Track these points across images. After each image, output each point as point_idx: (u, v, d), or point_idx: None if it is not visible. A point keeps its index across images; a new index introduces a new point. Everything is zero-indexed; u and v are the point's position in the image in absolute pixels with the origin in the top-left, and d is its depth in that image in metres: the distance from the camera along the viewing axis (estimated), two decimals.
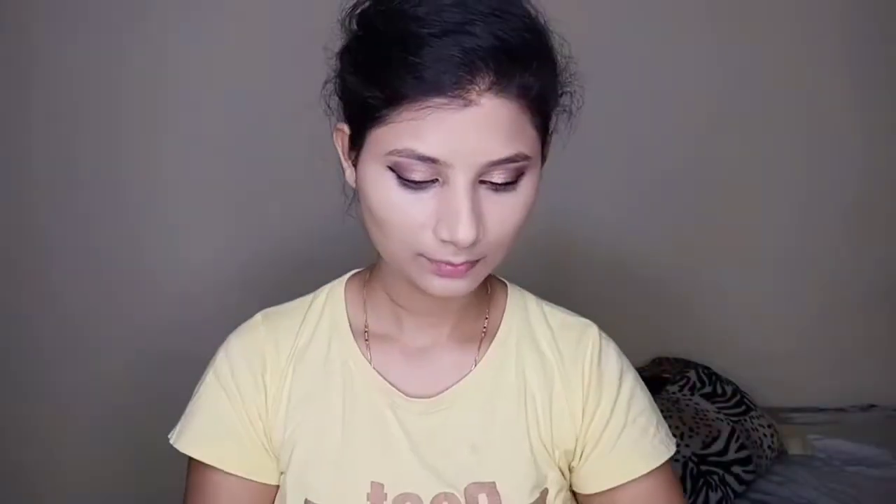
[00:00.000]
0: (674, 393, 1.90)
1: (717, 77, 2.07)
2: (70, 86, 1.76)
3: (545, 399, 0.84)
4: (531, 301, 0.90)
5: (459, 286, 0.73)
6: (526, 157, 0.70)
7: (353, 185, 0.77)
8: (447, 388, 0.83)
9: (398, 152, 0.68)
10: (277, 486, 0.85)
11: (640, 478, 0.84)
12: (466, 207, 0.68)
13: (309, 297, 0.89)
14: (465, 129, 0.67)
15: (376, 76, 0.69)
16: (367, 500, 0.80)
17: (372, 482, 0.80)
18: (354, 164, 0.75)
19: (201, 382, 0.86)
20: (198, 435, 0.84)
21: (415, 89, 0.66)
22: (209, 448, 0.83)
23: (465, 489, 0.81)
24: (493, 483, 0.81)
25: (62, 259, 1.78)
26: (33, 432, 1.79)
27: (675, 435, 0.90)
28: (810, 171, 2.15)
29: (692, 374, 1.96)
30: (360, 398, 0.83)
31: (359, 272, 0.90)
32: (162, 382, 1.56)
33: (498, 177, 0.69)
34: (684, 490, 1.61)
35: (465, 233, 0.68)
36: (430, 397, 0.83)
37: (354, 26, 0.74)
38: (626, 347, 0.90)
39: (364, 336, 0.85)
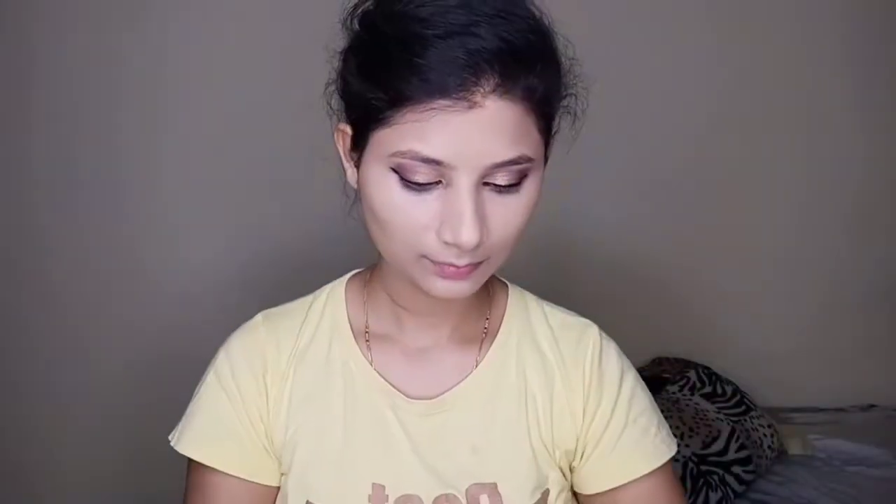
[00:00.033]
0: (674, 393, 1.90)
1: (717, 77, 2.07)
2: (70, 86, 1.75)
3: (546, 399, 0.84)
4: (532, 301, 0.90)
5: (462, 288, 0.73)
6: (529, 159, 0.70)
7: (355, 186, 0.76)
8: (448, 390, 0.83)
9: (402, 154, 0.68)
10: (277, 488, 0.85)
11: (641, 478, 0.84)
12: (470, 210, 0.68)
13: (309, 298, 0.89)
14: (470, 131, 0.66)
15: (380, 78, 0.68)
16: (369, 501, 0.80)
17: (373, 483, 0.80)
18: (356, 165, 0.75)
19: (202, 383, 0.86)
20: (198, 436, 0.84)
21: (419, 91, 0.66)
22: (209, 449, 0.83)
23: (467, 490, 0.81)
24: (495, 484, 0.81)
25: (62, 259, 1.78)
26: (33, 432, 1.78)
27: (675, 435, 0.90)
28: (810, 171, 2.15)
29: (692, 374, 1.96)
30: (361, 399, 0.83)
31: (359, 272, 0.90)
32: (162, 383, 1.56)
33: (501, 179, 0.69)
34: (684, 490, 1.61)
35: (468, 235, 0.68)
36: (430, 398, 0.82)
37: (356, 27, 0.74)
38: (626, 347, 0.90)
39: (365, 337, 0.85)
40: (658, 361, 2.12)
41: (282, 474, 0.84)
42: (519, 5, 0.70)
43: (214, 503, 0.83)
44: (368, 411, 0.82)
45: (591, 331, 0.88)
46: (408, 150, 0.67)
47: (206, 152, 1.84)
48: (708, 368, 2.01)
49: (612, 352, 0.88)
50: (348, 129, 0.74)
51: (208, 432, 0.83)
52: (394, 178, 0.69)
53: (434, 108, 0.66)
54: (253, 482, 0.83)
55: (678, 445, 0.90)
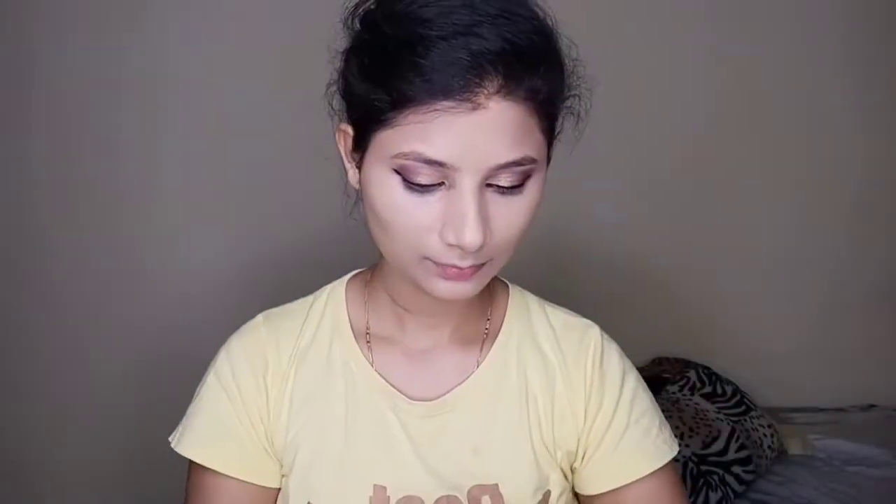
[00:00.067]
0: (674, 393, 1.90)
1: (716, 77, 2.07)
2: (70, 86, 1.75)
3: (547, 400, 0.84)
4: (533, 302, 0.90)
5: (465, 289, 0.73)
6: (533, 161, 0.69)
7: (356, 187, 0.76)
8: (449, 391, 0.83)
9: (404, 155, 0.67)
10: (278, 489, 0.85)
11: (643, 478, 0.84)
12: (473, 211, 0.68)
13: (310, 298, 0.89)
14: (473, 132, 0.66)
15: (382, 79, 0.68)
16: (370, 502, 0.80)
17: (374, 485, 0.80)
18: (358, 166, 0.74)
19: (202, 384, 0.86)
20: (198, 437, 0.83)
21: (422, 92, 0.66)
22: (209, 450, 0.83)
23: (468, 491, 0.81)
24: (496, 485, 0.81)
25: (62, 259, 1.78)
26: (33, 432, 1.78)
27: (675, 435, 0.90)
28: (810, 171, 2.15)
29: (692, 374, 1.96)
30: (362, 400, 0.83)
31: (360, 272, 0.90)
32: (162, 383, 1.56)
33: (504, 180, 0.69)
34: (686, 490, 1.61)
35: (471, 237, 0.67)
36: (432, 400, 0.82)
37: (358, 26, 0.73)
38: (626, 347, 0.90)
39: (366, 337, 0.85)
40: (658, 361, 2.12)
41: (283, 475, 0.84)
42: (522, 5, 0.70)
43: None
44: (369, 412, 0.82)
45: (593, 331, 0.88)
46: (410, 151, 0.67)
47: (206, 152, 1.83)
48: (708, 368, 2.01)
49: (613, 352, 0.87)
50: (350, 130, 0.74)
51: (209, 433, 0.83)
52: (396, 179, 0.69)
53: (437, 110, 0.66)
54: (253, 483, 0.83)
55: (679, 446, 0.90)
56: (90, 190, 1.79)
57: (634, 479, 0.84)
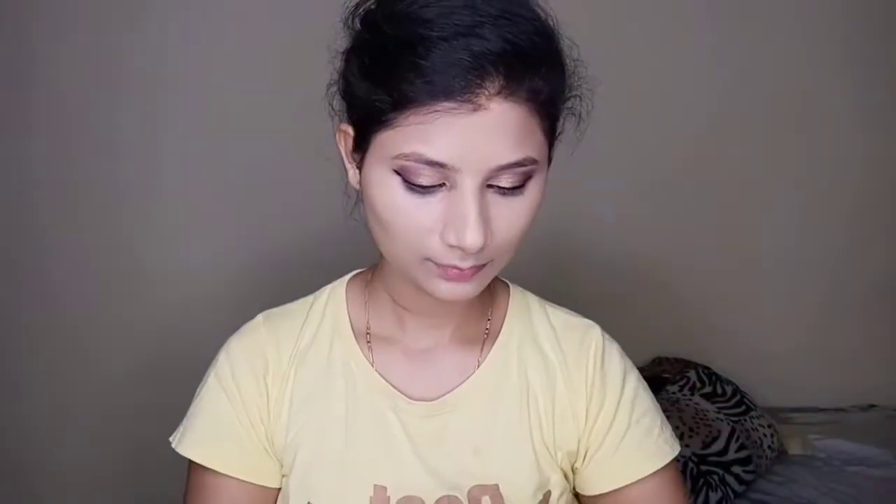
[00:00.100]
0: (674, 393, 1.90)
1: (717, 77, 2.07)
2: (70, 86, 1.75)
3: (548, 400, 0.84)
4: (534, 302, 0.90)
5: (466, 290, 0.73)
6: (534, 161, 0.69)
7: (357, 187, 0.76)
8: (450, 391, 0.83)
9: (405, 156, 0.67)
10: (278, 489, 0.84)
11: (644, 478, 0.84)
12: (474, 212, 0.67)
13: (310, 298, 0.89)
14: (474, 133, 0.66)
15: (383, 79, 0.68)
16: (370, 502, 0.80)
17: (375, 485, 0.80)
18: (359, 167, 0.74)
19: (202, 384, 0.86)
20: (199, 437, 0.83)
21: (423, 93, 0.66)
22: (210, 450, 0.83)
23: (469, 492, 0.81)
24: (497, 485, 0.81)
25: (62, 259, 1.78)
26: (33, 432, 1.78)
27: (674, 435, 0.90)
28: (810, 171, 2.15)
29: (692, 374, 1.96)
30: (362, 400, 0.83)
31: (360, 272, 0.90)
32: (162, 383, 1.56)
33: (506, 181, 0.69)
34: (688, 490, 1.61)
35: (472, 238, 0.67)
36: (432, 400, 0.82)
37: (358, 26, 0.73)
38: (627, 347, 0.90)
39: (366, 337, 0.85)
40: (658, 361, 2.12)
41: (283, 475, 0.84)
42: (524, 6, 0.70)
43: None
44: (370, 412, 0.82)
45: (594, 331, 0.88)
46: (411, 152, 0.67)
47: (206, 152, 1.84)
48: (708, 368, 2.01)
49: (614, 352, 0.87)
50: (350, 130, 0.74)
51: (209, 433, 0.83)
52: (397, 180, 0.69)
53: (438, 111, 0.65)
54: (253, 483, 0.83)
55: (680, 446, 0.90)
56: (90, 190, 1.79)
57: (636, 479, 0.84)
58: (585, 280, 2.01)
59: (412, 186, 0.68)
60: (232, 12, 1.80)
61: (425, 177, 0.68)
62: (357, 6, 0.74)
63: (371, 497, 0.80)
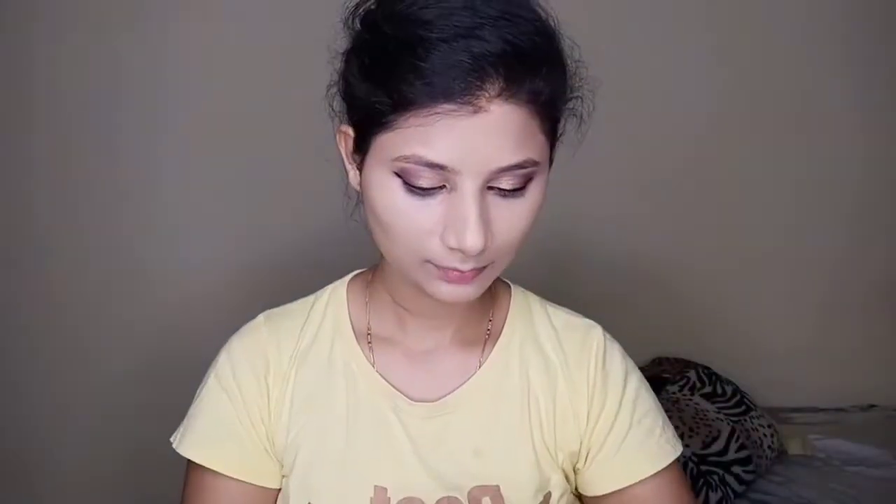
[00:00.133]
0: (674, 393, 1.90)
1: (717, 77, 2.07)
2: (70, 86, 1.75)
3: (549, 401, 0.84)
4: (535, 302, 0.90)
5: (467, 292, 0.73)
6: (535, 163, 0.69)
7: (357, 189, 0.76)
8: (451, 392, 0.83)
9: (405, 158, 0.67)
10: (277, 490, 0.84)
11: (646, 479, 0.84)
12: (475, 214, 0.67)
13: (311, 299, 0.89)
14: (474, 135, 0.66)
15: (383, 81, 0.68)
16: (371, 503, 0.80)
17: (375, 486, 0.80)
18: (359, 168, 0.74)
19: (203, 384, 0.86)
20: (199, 437, 0.83)
21: (423, 95, 0.65)
22: (210, 451, 0.83)
23: (469, 493, 0.81)
24: (497, 486, 0.81)
25: (62, 259, 1.78)
26: (33, 432, 1.78)
27: None
28: (810, 171, 2.15)
29: (692, 374, 1.96)
30: (363, 401, 0.82)
31: (361, 273, 0.90)
32: (162, 383, 1.56)
33: (506, 183, 0.69)
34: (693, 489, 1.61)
35: (473, 240, 0.67)
36: (433, 401, 0.82)
37: (358, 27, 0.73)
38: (627, 347, 0.90)
39: (367, 338, 0.85)
40: (658, 361, 2.11)
41: (283, 476, 0.84)
42: (524, 7, 0.69)
43: None
44: (370, 413, 0.82)
45: (595, 332, 0.87)
46: (411, 154, 0.67)
47: (206, 152, 1.83)
48: (708, 368, 2.01)
49: (615, 353, 0.87)
50: (350, 132, 0.74)
51: (209, 434, 0.83)
52: (397, 182, 0.68)
53: (438, 113, 0.65)
54: (252, 484, 0.83)
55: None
56: (90, 190, 1.79)
57: (638, 479, 0.84)
58: (585, 280, 2.01)
59: (412, 188, 0.68)
60: (232, 12, 1.80)
61: (425, 179, 0.67)
62: (357, 6, 0.74)
63: (371, 498, 0.80)
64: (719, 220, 2.16)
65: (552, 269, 1.81)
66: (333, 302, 0.87)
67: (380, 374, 0.83)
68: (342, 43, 0.75)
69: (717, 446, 1.74)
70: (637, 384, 0.87)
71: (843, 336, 2.18)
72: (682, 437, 1.68)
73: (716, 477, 1.68)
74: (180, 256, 1.86)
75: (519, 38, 0.67)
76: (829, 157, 2.15)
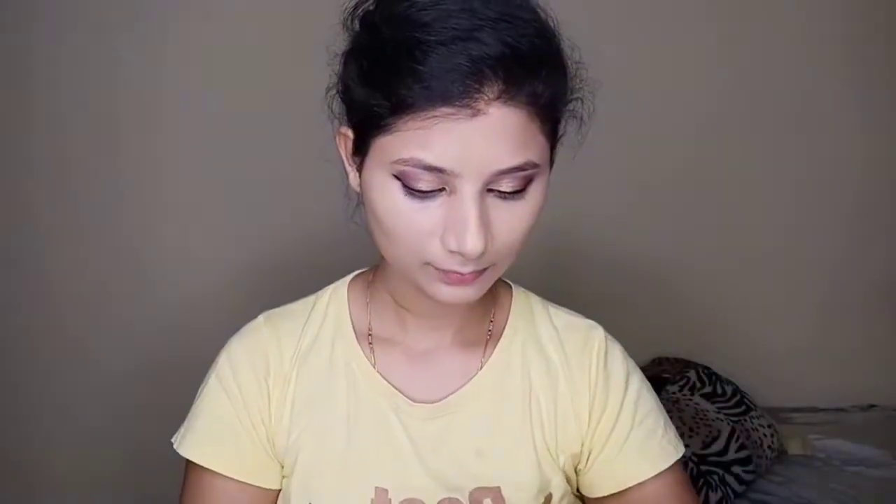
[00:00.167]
0: (674, 393, 1.90)
1: (717, 77, 2.07)
2: (70, 86, 1.75)
3: (550, 402, 0.84)
4: (536, 303, 0.90)
5: (468, 293, 0.72)
6: (535, 165, 0.69)
7: (357, 190, 0.76)
8: (452, 393, 0.83)
9: (404, 161, 0.67)
10: (277, 491, 0.84)
11: (648, 480, 0.83)
12: (474, 217, 0.67)
13: (312, 298, 0.88)
14: (473, 138, 0.65)
15: (381, 84, 0.67)
16: None
17: (376, 487, 0.80)
18: (358, 170, 0.74)
19: (204, 385, 0.86)
20: (200, 438, 0.83)
21: (421, 98, 0.65)
22: (209, 451, 0.82)
23: (470, 494, 0.80)
24: (498, 488, 0.81)
25: (62, 259, 1.78)
26: (33, 432, 1.78)
27: None
28: (810, 171, 2.15)
29: (692, 374, 1.96)
30: (364, 402, 0.82)
31: (362, 273, 0.89)
32: (162, 384, 1.57)
33: (506, 185, 0.68)
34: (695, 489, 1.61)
35: (472, 243, 0.67)
36: (434, 402, 0.82)
37: (357, 28, 0.73)
38: (627, 347, 0.90)
39: (368, 338, 0.85)
40: (658, 361, 2.11)
41: (283, 477, 0.84)
42: (524, 8, 0.69)
43: None
44: (371, 414, 0.82)
45: (597, 332, 0.87)
46: (410, 157, 0.66)
47: (207, 153, 1.83)
48: (708, 368, 2.01)
49: (617, 353, 0.87)
50: (350, 133, 0.73)
51: (210, 435, 0.83)
52: (396, 185, 0.68)
53: (437, 116, 0.65)
54: (252, 485, 0.83)
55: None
56: (90, 190, 1.79)
57: (640, 480, 0.83)
58: (585, 280, 2.01)
59: (412, 191, 0.68)
60: (232, 12, 1.80)
61: (424, 182, 0.67)
62: (356, 6, 0.73)
63: (372, 499, 0.80)
64: (719, 220, 2.15)
65: (552, 268, 1.82)
66: (334, 302, 0.87)
67: (381, 375, 0.83)
68: (341, 44, 0.74)
69: (717, 446, 1.73)
70: (639, 385, 0.87)
71: (843, 336, 2.17)
72: (682, 437, 1.69)
73: (716, 477, 1.68)
74: (180, 256, 1.86)
75: (518, 40, 0.66)
76: (829, 157, 2.15)
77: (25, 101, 1.74)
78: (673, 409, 1.79)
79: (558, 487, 0.83)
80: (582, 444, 0.84)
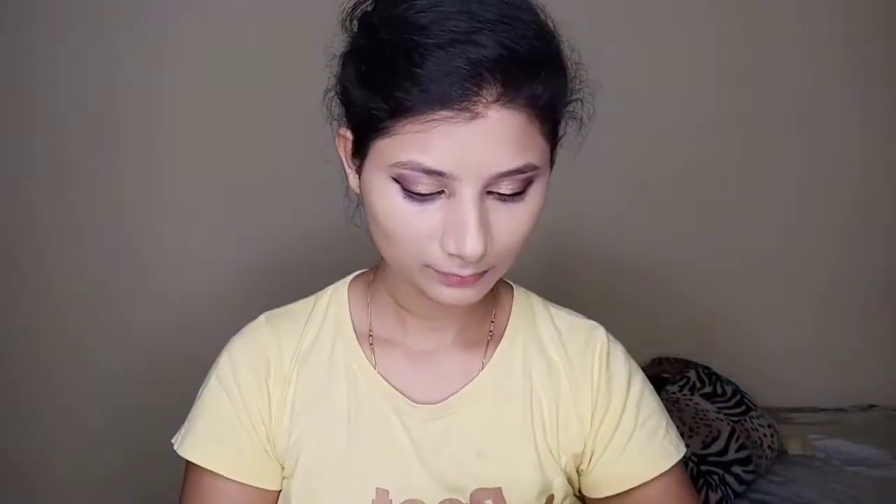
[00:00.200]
0: (674, 393, 1.90)
1: (717, 77, 2.07)
2: (70, 86, 1.75)
3: (551, 403, 0.84)
4: (537, 303, 0.90)
5: (468, 295, 0.72)
6: (534, 167, 0.68)
7: (357, 191, 0.75)
8: (453, 394, 0.83)
9: (403, 165, 0.66)
10: (277, 492, 0.84)
11: (650, 481, 0.84)
12: (474, 220, 0.67)
13: (312, 299, 0.88)
14: (472, 141, 0.65)
15: (379, 87, 0.67)
16: None
17: (377, 488, 0.80)
18: (358, 172, 0.74)
19: (204, 385, 0.85)
20: (200, 439, 0.83)
21: (420, 102, 0.65)
22: (209, 452, 0.82)
23: (471, 495, 0.80)
24: (499, 489, 0.81)
25: (62, 259, 1.78)
26: (33, 433, 1.78)
27: None
28: (810, 171, 2.14)
29: (692, 374, 1.96)
30: (364, 403, 0.82)
31: (362, 273, 0.89)
32: (162, 384, 1.57)
33: (506, 187, 0.68)
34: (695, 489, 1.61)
35: (472, 247, 0.67)
36: (435, 403, 0.82)
37: (356, 29, 0.73)
38: (627, 347, 0.90)
39: (368, 339, 0.85)
40: (658, 361, 2.11)
41: (284, 478, 0.84)
42: (523, 9, 0.69)
43: None
44: (372, 415, 0.82)
45: (599, 333, 0.87)
46: (409, 160, 0.66)
47: (207, 153, 1.83)
48: (708, 368, 2.01)
49: (619, 354, 0.87)
50: (349, 135, 0.73)
51: (210, 435, 0.83)
52: (395, 187, 0.68)
53: (435, 120, 0.64)
54: (252, 486, 0.82)
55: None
56: (90, 190, 1.79)
57: (642, 481, 0.84)
58: (585, 280, 2.01)
59: (411, 194, 0.67)
60: (232, 12, 1.80)
61: (424, 185, 0.67)
62: (354, 7, 0.73)
63: (373, 500, 0.80)
64: (719, 220, 2.15)
65: (552, 269, 1.82)
66: (335, 302, 0.87)
67: (381, 376, 0.83)
68: (340, 45, 0.74)
69: (717, 446, 1.73)
70: (641, 385, 0.87)
71: (843, 336, 2.17)
72: (682, 436, 1.69)
73: (716, 477, 1.68)
74: (180, 256, 1.86)
75: (517, 42, 0.66)
76: (829, 157, 2.15)
77: (25, 101, 1.74)
78: (673, 409, 1.79)
79: (560, 488, 0.83)
80: (584, 445, 0.84)
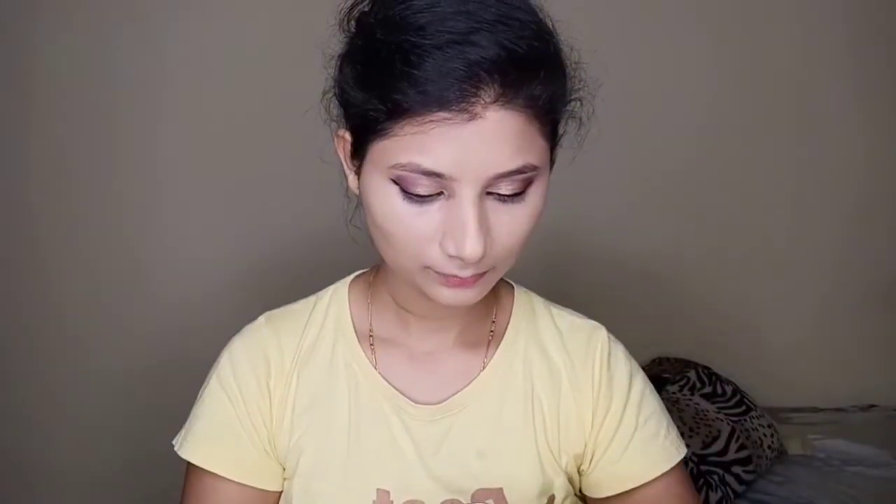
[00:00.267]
0: (674, 393, 1.90)
1: (717, 78, 2.07)
2: (70, 86, 1.75)
3: (552, 403, 0.84)
4: (539, 303, 0.90)
5: (468, 296, 0.72)
6: (534, 168, 0.68)
7: (357, 192, 0.75)
8: (454, 394, 0.82)
9: (402, 166, 0.66)
10: (278, 493, 0.84)
11: (651, 481, 0.84)
12: (473, 222, 0.66)
13: (312, 299, 0.88)
14: (471, 142, 0.64)
15: (377, 89, 0.66)
16: None
17: (378, 489, 0.80)
18: (357, 173, 0.73)
19: (204, 386, 0.85)
20: (200, 440, 0.83)
21: (417, 103, 0.64)
22: (209, 452, 0.82)
23: (472, 495, 0.80)
24: (500, 489, 0.81)
25: (62, 259, 1.78)
26: (32, 433, 1.78)
27: None
28: (810, 171, 2.15)
29: (692, 374, 1.96)
30: (365, 403, 0.82)
31: (362, 273, 0.89)
32: (162, 385, 1.57)
33: (505, 188, 0.67)
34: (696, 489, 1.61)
35: (472, 248, 0.66)
36: (436, 403, 0.82)
37: (353, 29, 0.72)
38: (627, 347, 0.90)
39: (369, 339, 0.84)
40: (658, 361, 2.11)
41: (285, 479, 0.83)
42: (521, 9, 0.68)
43: None
44: (373, 416, 0.82)
45: (600, 333, 0.87)
46: (408, 162, 0.65)
47: (207, 153, 1.83)
48: (708, 368, 2.01)
49: (620, 354, 0.87)
50: (348, 136, 0.73)
51: (210, 436, 0.83)
52: (395, 189, 0.67)
53: (433, 121, 0.64)
54: (252, 487, 0.82)
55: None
56: (90, 190, 1.79)
57: (643, 482, 0.83)
58: (585, 280, 2.01)
59: (410, 196, 0.67)
60: (232, 12, 1.80)
61: (423, 186, 0.66)
62: (352, 7, 0.73)
63: (374, 501, 0.79)
64: (720, 221, 2.15)
65: (552, 269, 1.81)
66: (335, 303, 0.87)
67: (382, 376, 0.83)
68: (337, 46, 0.74)
69: (717, 446, 1.73)
70: (642, 386, 0.87)
71: (843, 336, 2.18)
72: (682, 436, 1.69)
73: (716, 477, 1.68)
74: (180, 256, 1.86)
75: (515, 42, 0.65)
76: (830, 157, 2.15)
77: (25, 101, 1.74)
78: (673, 409, 1.79)
79: (561, 489, 0.83)
80: (585, 446, 0.84)
